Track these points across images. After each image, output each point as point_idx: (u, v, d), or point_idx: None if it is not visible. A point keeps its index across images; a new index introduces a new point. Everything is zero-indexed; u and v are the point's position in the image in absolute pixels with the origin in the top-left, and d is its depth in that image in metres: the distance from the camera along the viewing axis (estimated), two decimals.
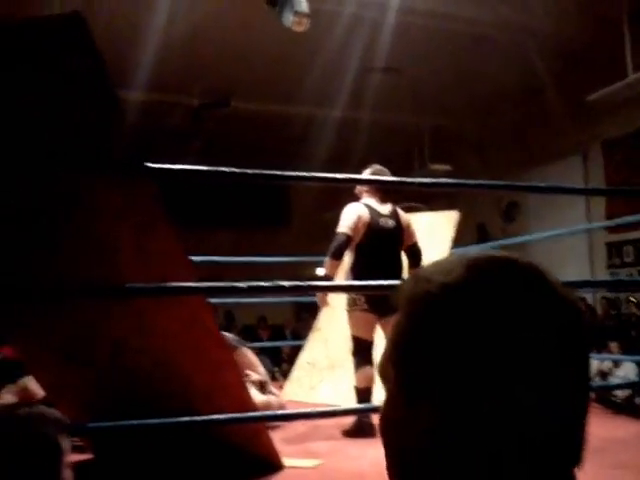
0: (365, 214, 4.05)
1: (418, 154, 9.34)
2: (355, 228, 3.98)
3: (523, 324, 0.51)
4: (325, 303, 4.17)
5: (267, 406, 4.27)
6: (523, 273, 0.55)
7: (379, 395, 4.11)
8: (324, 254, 4.12)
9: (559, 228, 6.57)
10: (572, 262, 8.29)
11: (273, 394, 4.74)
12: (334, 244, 3.95)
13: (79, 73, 2.07)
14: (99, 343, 3.18)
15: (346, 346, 4.46)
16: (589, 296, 7.71)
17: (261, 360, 7.06)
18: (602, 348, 6.45)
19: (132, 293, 2.47)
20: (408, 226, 4.25)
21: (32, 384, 4.46)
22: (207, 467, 3.08)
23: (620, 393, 5.39)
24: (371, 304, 3.99)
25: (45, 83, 1.96)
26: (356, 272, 4.04)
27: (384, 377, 0.58)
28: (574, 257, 8.33)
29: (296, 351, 6.43)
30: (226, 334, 4.97)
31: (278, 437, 3.83)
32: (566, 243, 7.69)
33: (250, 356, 4.94)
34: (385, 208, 4.17)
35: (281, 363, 8.38)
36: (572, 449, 0.54)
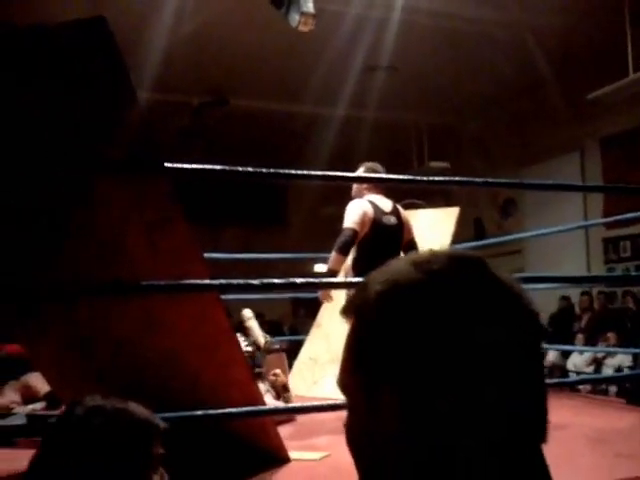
0: (370, 210, 4.07)
1: (417, 151, 9.39)
2: (361, 223, 4.01)
3: (478, 322, 0.50)
4: (329, 298, 4.19)
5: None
6: (475, 270, 0.54)
7: None
8: (321, 251, 4.13)
9: (556, 224, 6.63)
10: (569, 257, 8.37)
11: (287, 399, 4.74)
12: (341, 239, 3.96)
13: (103, 75, 2.12)
14: (108, 339, 3.22)
15: None
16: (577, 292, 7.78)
17: (259, 356, 7.17)
18: (599, 338, 6.56)
19: (142, 290, 2.52)
20: (407, 222, 4.30)
21: (34, 381, 4.50)
22: (215, 461, 3.13)
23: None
24: None
25: (70, 85, 2.01)
26: (359, 269, 4.06)
27: (343, 389, 0.57)
28: (571, 252, 8.41)
29: (294, 347, 6.48)
30: (271, 339, 5.29)
31: (283, 431, 3.88)
32: (563, 238, 7.74)
33: (285, 360, 5.43)
34: (387, 205, 4.21)
35: None
36: (537, 432, 0.54)
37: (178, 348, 3.19)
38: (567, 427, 3.98)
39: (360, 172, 4.17)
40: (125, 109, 2.15)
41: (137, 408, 1.15)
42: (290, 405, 4.41)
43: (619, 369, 5.99)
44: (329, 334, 5.67)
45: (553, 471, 0.56)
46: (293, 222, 11.26)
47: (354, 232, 3.96)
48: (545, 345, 7.05)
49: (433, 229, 6.08)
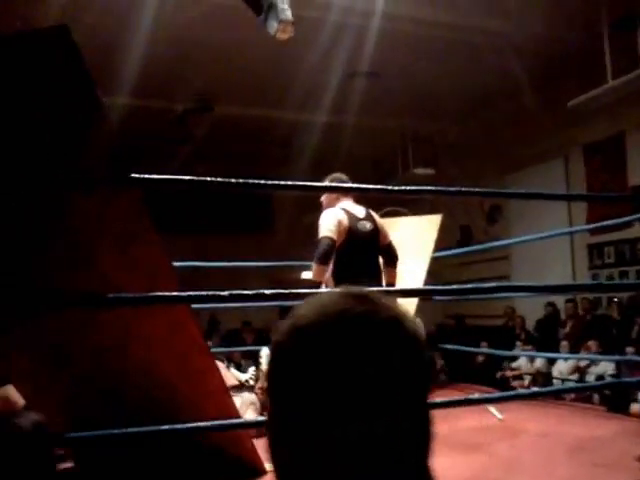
0: (344, 219, 4.04)
1: (402, 158, 9.39)
2: (338, 232, 3.99)
3: (366, 361, 0.54)
4: None
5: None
6: (370, 311, 0.57)
7: None
8: (306, 259, 4.10)
9: (541, 230, 6.65)
10: (555, 263, 8.39)
11: None
12: (320, 249, 3.92)
13: (66, 84, 2.09)
14: (84, 351, 3.18)
15: None
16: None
17: (246, 364, 7.13)
18: (580, 346, 6.57)
19: (114, 303, 2.48)
20: (382, 227, 4.27)
21: (12, 393, 4.44)
22: (192, 472, 3.10)
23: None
24: None
25: (33, 95, 1.98)
26: (338, 277, 4.04)
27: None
28: (557, 258, 8.43)
29: None
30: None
31: (262, 441, 3.86)
32: (549, 245, 7.77)
33: None
34: (360, 211, 4.19)
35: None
36: (422, 452, 0.58)
37: (154, 358, 3.17)
38: (548, 435, 3.99)
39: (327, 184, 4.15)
40: (90, 119, 2.12)
41: (24, 420, 1.15)
42: (261, 418, 4.38)
43: (601, 377, 6.00)
44: None
45: None
46: (279, 228, 11.23)
47: (332, 241, 3.93)
48: (530, 352, 7.09)
49: (416, 236, 6.10)
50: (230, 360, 7.20)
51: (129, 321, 2.94)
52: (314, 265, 3.89)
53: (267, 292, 2.43)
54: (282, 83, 6.95)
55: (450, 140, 9.33)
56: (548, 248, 7.98)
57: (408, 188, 3.18)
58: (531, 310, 8.10)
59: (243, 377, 5.48)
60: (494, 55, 6.83)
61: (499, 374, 7.26)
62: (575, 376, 6.46)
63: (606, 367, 6.19)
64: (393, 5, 5.78)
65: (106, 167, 2.23)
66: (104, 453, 3.30)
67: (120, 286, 2.61)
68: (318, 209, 4.25)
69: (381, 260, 4.25)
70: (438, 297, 6.49)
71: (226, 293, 2.37)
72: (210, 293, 2.42)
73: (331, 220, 4.00)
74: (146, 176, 2.32)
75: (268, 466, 3.27)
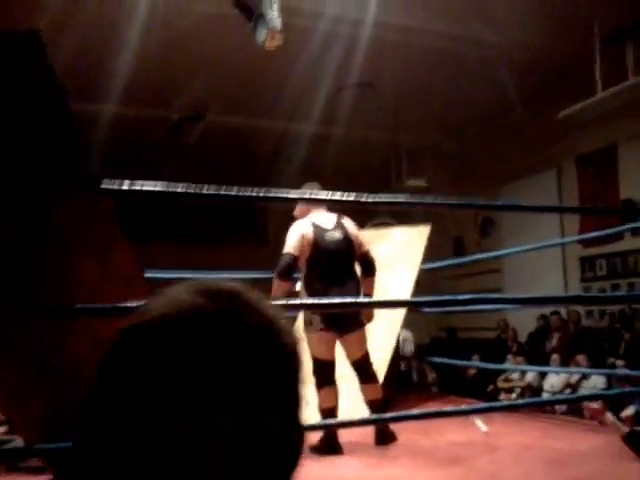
0: (309, 232, 4.06)
1: (395, 169, 9.39)
2: (300, 247, 4.00)
3: (222, 358, 0.50)
4: None
5: None
6: (230, 305, 0.53)
7: (345, 413, 4.13)
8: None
9: (533, 242, 6.64)
10: (547, 276, 8.38)
11: None
12: (280, 265, 3.96)
13: (33, 91, 2.09)
14: (59, 360, 3.16)
15: None
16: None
17: None
18: (570, 360, 6.52)
19: (90, 313, 2.47)
20: (357, 236, 4.25)
21: None
22: None
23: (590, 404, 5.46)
24: (327, 322, 3.96)
25: None
26: (309, 290, 4.04)
27: None
28: (549, 271, 8.42)
29: None
30: None
31: None
32: (541, 257, 7.76)
33: None
34: (330, 221, 4.18)
35: None
36: (286, 462, 0.53)
37: None
38: (531, 449, 3.95)
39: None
40: (58, 125, 2.11)
41: None
42: None
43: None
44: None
45: None
46: (273, 238, 11.18)
47: (292, 257, 3.97)
48: (521, 366, 7.04)
49: (405, 247, 6.10)
50: None
51: (106, 331, 2.93)
52: (274, 280, 3.92)
53: None
54: (275, 92, 6.96)
55: (443, 152, 9.33)
56: (540, 261, 7.97)
57: (391, 200, 3.16)
58: (524, 323, 8.07)
59: None
60: (486, 66, 6.85)
61: (490, 387, 7.21)
62: (567, 391, 6.41)
63: (597, 381, 6.14)
64: (384, 14, 5.79)
65: (73, 175, 2.22)
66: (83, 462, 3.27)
67: (98, 295, 2.59)
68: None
69: (359, 269, 4.24)
70: (426, 309, 6.46)
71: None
72: None
73: (294, 236, 4.04)
74: (115, 187, 2.31)
75: None
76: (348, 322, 4.00)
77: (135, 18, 5.44)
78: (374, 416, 3.95)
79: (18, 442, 3.91)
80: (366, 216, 6.81)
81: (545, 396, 6.54)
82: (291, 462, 0.54)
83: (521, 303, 5.15)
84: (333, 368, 4.08)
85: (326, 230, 4.11)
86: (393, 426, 4.16)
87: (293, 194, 2.79)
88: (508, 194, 8.87)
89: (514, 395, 6.93)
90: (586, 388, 6.21)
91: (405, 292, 5.70)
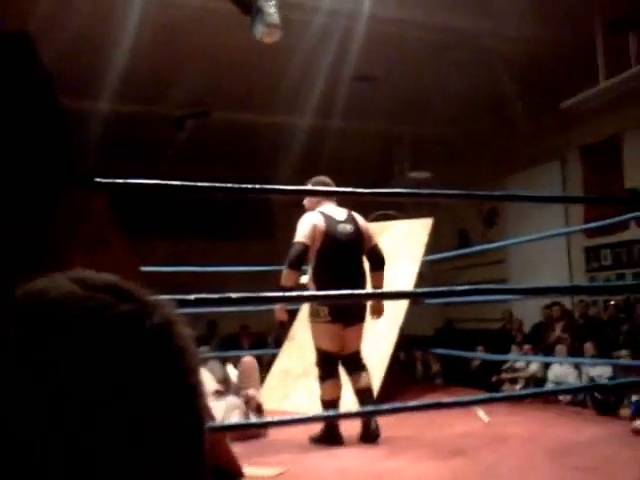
0: (321, 223, 4.04)
1: (398, 161, 9.37)
2: (312, 237, 3.98)
3: (92, 361, 0.44)
4: (282, 316, 4.13)
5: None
6: (104, 292, 0.48)
7: (347, 404, 4.14)
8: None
9: (538, 232, 6.62)
10: (552, 266, 8.36)
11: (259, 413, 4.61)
12: (290, 254, 3.94)
13: (25, 91, 2.10)
14: None
15: None
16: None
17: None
18: (577, 349, 6.51)
19: None
20: (367, 229, 4.24)
21: None
22: None
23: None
24: (335, 314, 3.94)
25: None
26: (318, 282, 4.02)
27: None
28: (554, 262, 8.40)
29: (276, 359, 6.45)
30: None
31: (249, 447, 3.86)
32: (545, 248, 7.74)
33: (257, 373, 5.09)
34: (341, 214, 4.17)
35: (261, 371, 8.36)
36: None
37: None
38: (532, 439, 3.95)
39: (309, 186, 4.14)
40: (49, 125, 2.12)
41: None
42: (251, 422, 4.37)
43: (593, 381, 5.94)
44: (303, 347, 5.63)
45: None
46: (280, 233, 11.21)
47: (303, 246, 3.95)
48: (525, 356, 7.02)
49: (407, 240, 6.09)
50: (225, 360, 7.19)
51: None
52: (284, 270, 3.91)
53: (233, 296, 2.42)
54: (275, 86, 6.95)
55: (446, 144, 9.30)
56: (545, 251, 7.95)
57: (404, 191, 3.18)
58: (529, 313, 8.06)
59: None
60: (487, 57, 6.81)
61: (495, 377, 7.21)
62: (572, 379, 6.39)
63: (604, 370, 6.13)
64: (380, 7, 5.77)
65: (66, 172, 2.23)
66: None
67: None
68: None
69: (367, 263, 4.23)
70: (428, 301, 6.46)
71: (192, 297, 2.37)
72: (177, 297, 2.41)
73: (306, 225, 4.02)
74: (109, 180, 2.33)
75: (247, 471, 3.26)
76: (354, 315, 4.00)
77: (130, 12, 5.44)
78: (372, 407, 3.93)
79: None
80: (365, 208, 6.82)
81: (549, 386, 6.52)
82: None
83: (521, 294, 5.15)
84: (337, 361, 4.07)
85: (338, 222, 4.10)
86: (396, 417, 4.13)
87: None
88: (513, 185, 8.85)
89: (518, 386, 6.92)
90: (591, 376, 6.20)
91: (407, 285, 5.70)
